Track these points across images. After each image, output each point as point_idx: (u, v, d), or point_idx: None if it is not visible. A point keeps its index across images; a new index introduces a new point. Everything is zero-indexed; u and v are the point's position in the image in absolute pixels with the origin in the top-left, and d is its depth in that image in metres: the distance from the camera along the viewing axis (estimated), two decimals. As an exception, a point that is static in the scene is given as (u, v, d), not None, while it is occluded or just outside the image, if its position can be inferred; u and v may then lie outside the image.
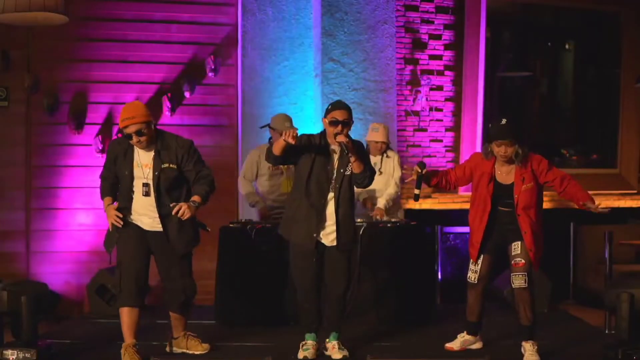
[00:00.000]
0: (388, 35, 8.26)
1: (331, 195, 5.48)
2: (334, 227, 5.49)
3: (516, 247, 5.53)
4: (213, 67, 7.98)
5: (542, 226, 5.59)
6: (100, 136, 7.78)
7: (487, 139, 5.63)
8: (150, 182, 5.35)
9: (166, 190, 5.35)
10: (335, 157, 5.50)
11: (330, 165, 5.48)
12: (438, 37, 8.77)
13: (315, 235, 5.46)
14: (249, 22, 8.10)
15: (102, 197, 5.51)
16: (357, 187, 5.60)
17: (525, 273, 5.48)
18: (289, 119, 7.03)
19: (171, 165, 5.35)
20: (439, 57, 8.78)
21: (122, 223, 5.33)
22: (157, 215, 5.36)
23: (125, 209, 5.39)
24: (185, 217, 5.25)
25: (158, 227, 5.38)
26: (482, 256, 5.67)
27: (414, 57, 8.70)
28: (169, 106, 7.90)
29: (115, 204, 5.40)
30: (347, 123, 5.42)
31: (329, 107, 5.50)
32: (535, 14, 9.56)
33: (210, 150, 8.08)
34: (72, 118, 7.81)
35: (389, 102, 8.24)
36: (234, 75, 8.15)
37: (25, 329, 5.32)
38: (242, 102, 8.10)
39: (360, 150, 5.47)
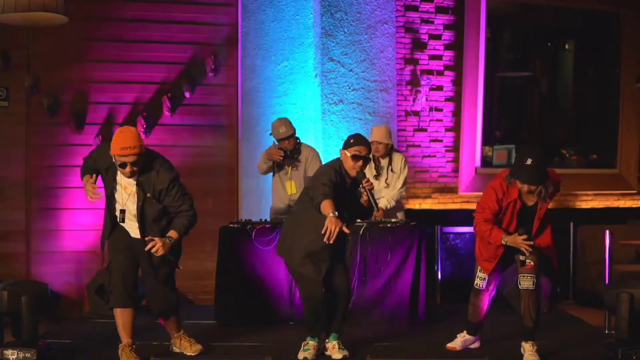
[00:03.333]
0: (388, 35, 8.26)
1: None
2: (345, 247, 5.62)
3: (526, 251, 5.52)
4: (213, 67, 7.98)
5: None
6: (100, 136, 7.77)
7: (511, 173, 5.42)
8: (130, 208, 5.29)
9: (153, 220, 5.27)
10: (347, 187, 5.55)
11: (346, 200, 5.50)
12: (438, 37, 8.77)
13: (324, 270, 5.50)
14: (249, 22, 8.10)
15: (82, 176, 5.45)
16: (359, 219, 5.88)
17: (534, 275, 5.48)
18: (284, 123, 6.97)
19: (151, 197, 5.26)
20: (439, 57, 8.78)
21: (99, 197, 5.26)
22: (137, 229, 5.32)
23: (112, 219, 5.38)
24: (159, 254, 5.14)
25: (140, 235, 5.36)
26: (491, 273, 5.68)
27: (414, 57, 8.70)
28: (169, 106, 7.90)
29: (94, 177, 5.32)
30: (369, 159, 5.56)
31: (351, 140, 5.50)
32: (535, 14, 9.55)
33: (210, 150, 8.12)
34: (72, 118, 7.80)
35: (389, 102, 8.24)
36: (234, 75, 8.15)
37: (25, 329, 5.32)
38: (242, 102, 8.10)
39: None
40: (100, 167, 5.36)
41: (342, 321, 5.63)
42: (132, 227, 5.36)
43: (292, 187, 6.94)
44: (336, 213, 5.13)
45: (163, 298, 5.47)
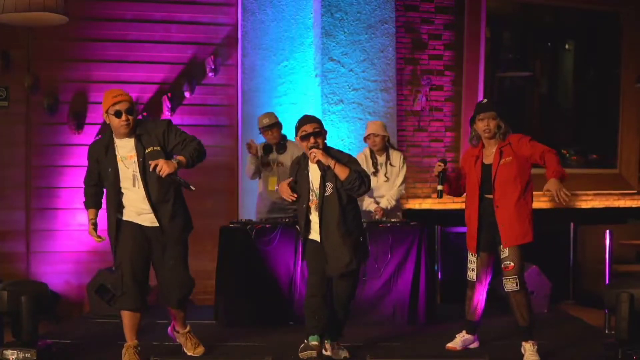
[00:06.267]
0: (388, 35, 8.26)
1: (314, 215, 5.37)
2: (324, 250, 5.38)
3: (505, 250, 5.49)
4: (213, 67, 7.99)
5: (528, 212, 5.48)
6: (100, 136, 7.77)
7: (471, 120, 5.64)
8: (137, 172, 5.26)
9: (157, 178, 5.21)
10: (318, 175, 5.37)
11: (308, 184, 5.39)
12: (438, 37, 8.77)
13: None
14: (249, 22, 8.10)
15: (87, 207, 5.46)
16: (354, 195, 5.34)
17: (516, 276, 5.44)
18: (268, 115, 7.00)
19: (155, 148, 5.25)
20: (439, 57, 8.79)
21: (97, 238, 5.30)
22: (149, 207, 5.26)
23: (117, 214, 5.32)
24: (164, 174, 5.06)
25: (156, 223, 5.31)
26: (478, 252, 5.67)
27: (414, 57, 8.70)
28: (169, 106, 7.91)
29: (96, 218, 5.38)
30: (319, 133, 5.35)
31: (297, 124, 5.45)
32: (535, 14, 9.56)
33: (210, 150, 8.00)
34: (72, 118, 7.81)
35: (389, 102, 8.24)
36: (234, 75, 8.16)
37: (25, 329, 5.32)
38: (242, 102, 8.11)
39: (338, 157, 5.31)
40: (100, 162, 5.32)
41: (340, 326, 5.57)
42: (139, 201, 5.27)
43: (273, 184, 6.93)
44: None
45: (182, 282, 5.41)
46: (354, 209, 5.43)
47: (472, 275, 5.72)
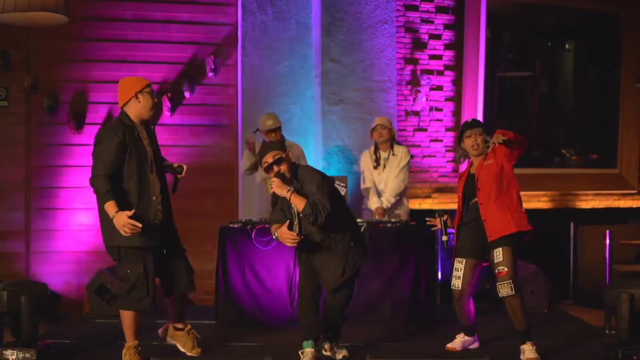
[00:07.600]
0: (388, 35, 8.26)
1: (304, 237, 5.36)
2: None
3: (498, 254, 5.46)
4: (213, 67, 7.98)
5: (512, 207, 5.49)
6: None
7: (458, 139, 5.78)
8: (153, 159, 5.34)
9: (160, 166, 5.45)
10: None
11: (292, 208, 5.33)
12: (438, 37, 8.77)
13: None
14: (249, 22, 8.10)
15: (109, 198, 5.00)
16: (313, 225, 5.18)
17: (510, 280, 5.43)
18: (271, 116, 7.05)
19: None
20: (439, 57, 8.78)
21: (140, 227, 4.97)
22: (160, 196, 5.32)
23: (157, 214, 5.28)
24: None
25: (165, 212, 5.39)
26: (464, 260, 5.67)
27: (414, 57, 8.70)
28: (169, 106, 7.91)
29: (126, 212, 4.97)
30: (280, 159, 5.27)
31: (258, 155, 5.47)
32: (535, 14, 9.56)
33: (210, 150, 8.11)
34: (72, 118, 7.80)
35: (389, 102, 8.24)
36: (234, 75, 8.15)
37: (25, 329, 5.32)
38: (242, 102, 8.10)
39: (303, 180, 5.24)
40: (129, 147, 5.17)
41: (336, 330, 5.56)
42: (156, 189, 5.31)
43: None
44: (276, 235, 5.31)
45: (189, 266, 5.52)
46: (337, 218, 5.27)
47: (457, 283, 5.69)
